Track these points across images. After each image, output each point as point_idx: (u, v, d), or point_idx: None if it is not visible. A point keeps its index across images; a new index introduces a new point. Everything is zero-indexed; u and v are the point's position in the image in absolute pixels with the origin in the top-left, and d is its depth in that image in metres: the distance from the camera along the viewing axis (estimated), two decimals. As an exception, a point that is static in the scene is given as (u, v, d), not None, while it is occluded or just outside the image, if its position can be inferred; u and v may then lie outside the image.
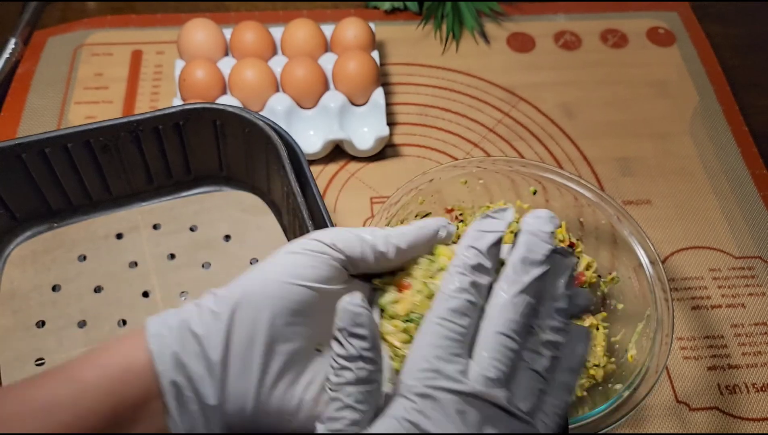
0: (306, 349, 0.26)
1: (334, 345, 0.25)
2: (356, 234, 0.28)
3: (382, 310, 0.29)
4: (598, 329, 0.44)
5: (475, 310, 0.26)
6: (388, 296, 0.29)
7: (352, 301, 0.25)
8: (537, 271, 0.26)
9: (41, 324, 0.45)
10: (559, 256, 0.28)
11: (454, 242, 0.30)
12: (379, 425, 0.24)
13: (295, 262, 0.26)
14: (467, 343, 0.25)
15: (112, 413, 0.23)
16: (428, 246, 0.29)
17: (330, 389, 0.25)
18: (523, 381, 0.25)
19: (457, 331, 0.25)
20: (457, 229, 0.46)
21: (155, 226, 0.50)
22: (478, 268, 0.26)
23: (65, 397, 0.23)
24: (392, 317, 0.28)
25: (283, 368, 0.25)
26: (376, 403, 0.25)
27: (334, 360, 0.25)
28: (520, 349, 0.26)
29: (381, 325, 0.28)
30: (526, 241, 0.27)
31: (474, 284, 0.26)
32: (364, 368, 0.25)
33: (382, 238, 0.28)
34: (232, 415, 0.25)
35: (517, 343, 0.25)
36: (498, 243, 0.27)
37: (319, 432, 0.25)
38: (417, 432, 0.24)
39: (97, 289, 0.47)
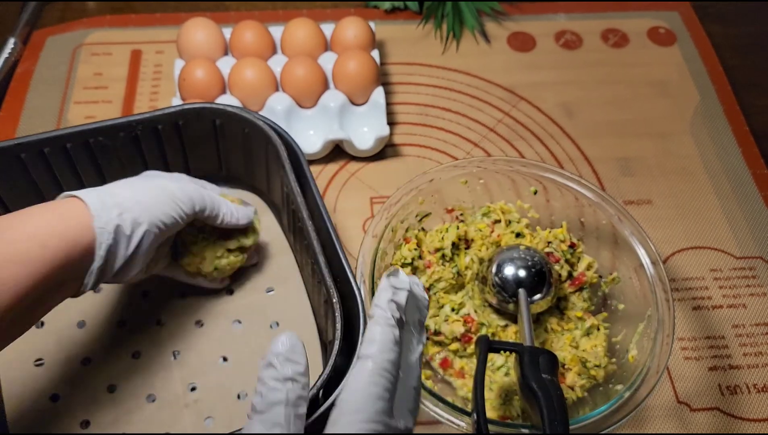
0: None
1: (267, 370, 0.28)
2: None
3: None
4: (599, 329, 0.44)
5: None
6: None
7: (291, 336, 0.29)
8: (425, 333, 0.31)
9: (40, 324, 0.45)
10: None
11: None
12: None
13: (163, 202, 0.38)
14: (393, 392, 0.28)
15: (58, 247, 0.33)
16: None
17: (257, 411, 0.28)
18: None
19: (392, 382, 0.28)
20: (458, 228, 0.46)
21: None
22: (399, 321, 0.29)
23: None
24: None
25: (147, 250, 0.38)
26: (303, 426, 0.28)
27: (265, 383, 0.28)
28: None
29: None
30: (425, 305, 0.31)
31: (399, 338, 0.29)
32: (295, 390, 0.28)
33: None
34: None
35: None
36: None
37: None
38: None
39: (96, 290, 0.47)
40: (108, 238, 0.35)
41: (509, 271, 0.43)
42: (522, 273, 0.42)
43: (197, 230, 0.45)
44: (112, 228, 0.35)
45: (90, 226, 0.35)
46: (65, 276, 0.35)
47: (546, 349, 0.38)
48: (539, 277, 0.42)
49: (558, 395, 0.35)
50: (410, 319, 0.30)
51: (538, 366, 0.36)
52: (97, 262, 0.35)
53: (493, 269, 0.43)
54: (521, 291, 0.42)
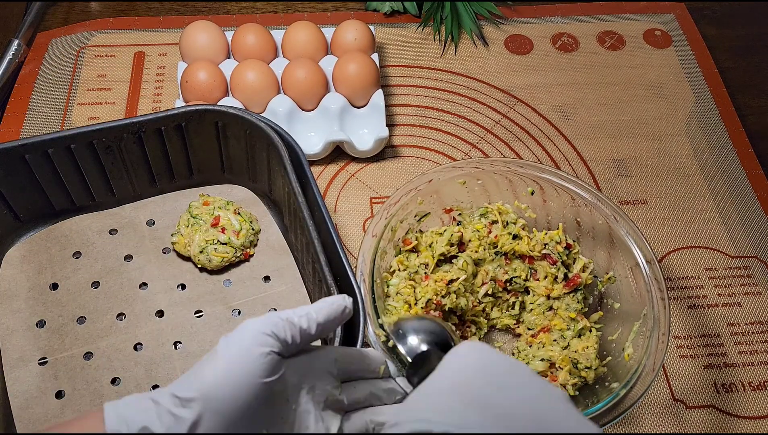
0: None
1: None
2: (285, 319, 0.31)
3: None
4: (591, 331, 0.44)
5: None
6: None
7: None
8: None
9: (41, 323, 0.46)
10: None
11: None
12: None
13: (248, 361, 0.29)
14: None
15: None
16: (338, 320, 0.33)
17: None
18: None
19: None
20: (460, 231, 0.46)
21: (149, 222, 0.51)
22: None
23: None
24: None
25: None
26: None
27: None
28: None
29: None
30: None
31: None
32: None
33: (305, 317, 0.32)
34: None
35: None
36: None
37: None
38: None
39: (95, 284, 0.48)
40: None
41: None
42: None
43: (194, 217, 0.48)
44: None
45: None
46: None
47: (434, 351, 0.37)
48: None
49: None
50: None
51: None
52: None
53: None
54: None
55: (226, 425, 0.28)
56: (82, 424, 0.28)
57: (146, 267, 0.49)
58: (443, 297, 0.43)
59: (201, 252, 0.48)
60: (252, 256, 0.50)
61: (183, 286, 0.48)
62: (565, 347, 0.44)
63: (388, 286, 0.45)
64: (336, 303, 0.33)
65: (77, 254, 0.49)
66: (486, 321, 0.47)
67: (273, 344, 0.30)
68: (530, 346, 0.45)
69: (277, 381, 0.30)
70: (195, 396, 0.28)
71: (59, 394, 0.43)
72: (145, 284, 0.48)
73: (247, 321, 0.30)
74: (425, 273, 0.45)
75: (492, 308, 0.47)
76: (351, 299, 0.33)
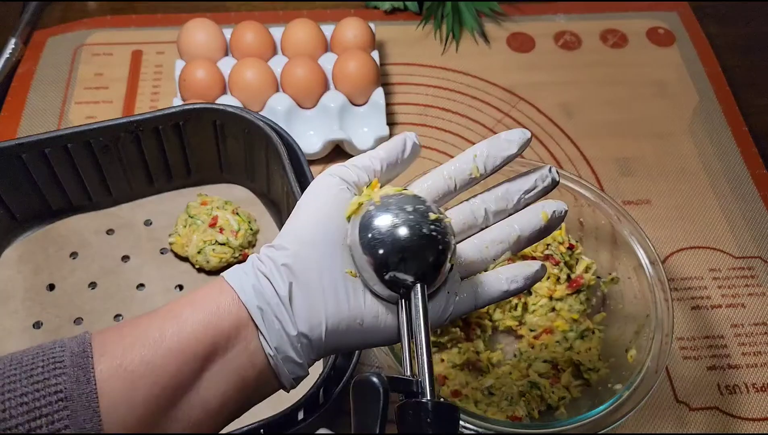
0: (343, 272, 0.29)
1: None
2: (353, 164, 0.31)
3: None
4: (594, 333, 0.44)
5: None
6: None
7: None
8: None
9: (38, 325, 0.45)
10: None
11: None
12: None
13: (333, 199, 0.30)
14: None
15: (211, 341, 0.27)
16: (404, 158, 0.32)
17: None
18: None
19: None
20: None
21: (146, 222, 0.51)
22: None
23: (170, 331, 0.27)
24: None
25: (337, 289, 0.28)
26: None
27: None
28: None
29: None
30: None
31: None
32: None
33: (366, 156, 0.32)
34: (311, 336, 0.28)
35: None
36: None
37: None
38: None
39: (92, 285, 0.47)
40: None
41: (392, 248, 0.27)
42: (413, 251, 0.27)
43: (191, 217, 0.48)
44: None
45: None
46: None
47: (448, 404, 0.26)
48: (436, 253, 0.28)
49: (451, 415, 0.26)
50: None
51: (428, 425, 0.25)
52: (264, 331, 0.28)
53: (362, 240, 0.28)
54: (418, 286, 0.28)
55: (316, 258, 0.28)
56: (209, 287, 0.29)
57: (144, 267, 0.48)
58: None
59: (199, 252, 0.47)
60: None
61: (181, 287, 0.48)
62: (568, 349, 0.43)
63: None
64: (396, 138, 0.32)
65: (74, 255, 0.49)
66: (490, 323, 0.46)
67: (341, 183, 0.30)
68: (533, 348, 0.44)
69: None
70: (286, 243, 0.29)
71: (56, 397, 0.43)
72: (142, 285, 0.48)
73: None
74: None
75: (495, 310, 0.47)
76: (413, 134, 0.33)
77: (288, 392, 0.30)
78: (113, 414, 0.25)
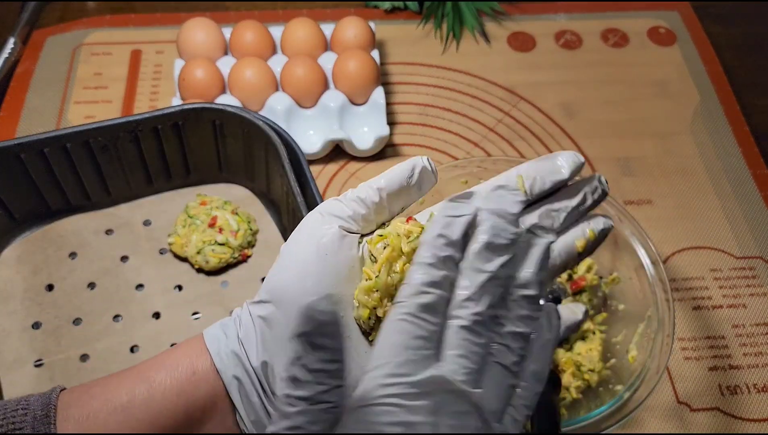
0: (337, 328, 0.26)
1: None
2: (348, 198, 0.28)
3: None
4: (594, 333, 0.44)
5: (446, 305, 0.24)
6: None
7: (315, 304, 0.24)
8: (501, 259, 0.24)
9: (37, 325, 0.45)
10: (531, 236, 0.25)
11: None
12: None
13: (317, 246, 0.26)
14: (437, 341, 0.23)
15: (183, 412, 0.25)
16: (410, 189, 0.28)
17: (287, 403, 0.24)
18: (492, 378, 0.23)
19: (430, 329, 0.23)
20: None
21: (146, 222, 0.50)
22: (449, 260, 0.24)
23: (140, 396, 0.24)
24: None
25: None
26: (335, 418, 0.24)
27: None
28: (488, 343, 0.24)
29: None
30: (490, 224, 0.25)
31: (446, 278, 0.24)
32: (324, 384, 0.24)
33: (365, 187, 0.28)
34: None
35: (483, 338, 0.23)
36: (468, 229, 0.25)
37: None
38: None
39: (91, 286, 0.47)
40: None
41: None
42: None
43: (191, 217, 0.48)
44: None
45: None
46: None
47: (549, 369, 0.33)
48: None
49: (551, 416, 0.30)
50: (475, 246, 0.24)
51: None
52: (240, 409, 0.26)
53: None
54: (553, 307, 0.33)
55: (293, 321, 0.25)
56: (186, 344, 0.27)
57: (143, 268, 0.48)
58: None
59: (198, 253, 0.47)
60: (250, 256, 0.49)
61: (180, 288, 0.48)
62: (569, 350, 0.43)
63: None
64: (402, 164, 0.28)
65: (73, 255, 0.48)
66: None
67: (332, 222, 0.26)
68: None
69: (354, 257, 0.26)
70: (267, 297, 0.26)
71: (54, 397, 0.42)
72: (141, 285, 0.48)
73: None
74: None
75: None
76: (426, 159, 0.28)
77: None
78: None
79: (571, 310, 0.28)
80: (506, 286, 0.25)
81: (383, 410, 0.22)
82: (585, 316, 0.28)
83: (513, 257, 0.25)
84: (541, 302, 0.25)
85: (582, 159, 0.28)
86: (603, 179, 0.29)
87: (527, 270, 0.25)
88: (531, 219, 0.27)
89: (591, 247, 0.28)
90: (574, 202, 0.28)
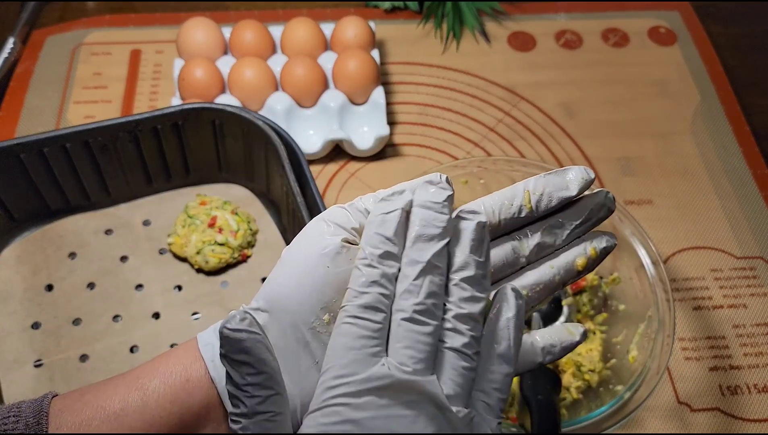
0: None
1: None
2: (355, 207, 0.27)
3: None
4: (595, 334, 0.44)
5: (389, 301, 0.24)
6: None
7: (229, 325, 0.23)
8: (435, 248, 0.24)
9: (36, 325, 0.45)
10: (460, 220, 0.26)
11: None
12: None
13: (319, 255, 0.25)
14: (384, 338, 0.24)
15: (177, 420, 0.25)
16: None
17: (232, 420, 0.24)
18: (445, 363, 0.24)
19: (372, 327, 0.23)
20: None
21: (145, 222, 0.50)
22: (386, 256, 0.24)
23: (134, 404, 0.24)
24: None
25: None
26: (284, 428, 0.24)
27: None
28: (436, 331, 0.24)
29: None
30: (419, 216, 0.25)
31: (384, 275, 0.24)
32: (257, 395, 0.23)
33: (370, 197, 0.27)
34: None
35: (430, 326, 0.24)
36: (403, 223, 0.25)
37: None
38: None
39: (90, 286, 0.47)
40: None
41: None
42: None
43: (190, 217, 0.48)
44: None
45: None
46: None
47: (549, 369, 0.36)
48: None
49: (551, 416, 0.32)
50: (409, 239, 0.25)
51: (538, 384, 0.34)
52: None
53: None
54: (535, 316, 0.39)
55: (289, 327, 0.25)
56: (180, 350, 0.26)
57: (142, 268, 0.48)
58: None
59: (198, 253, 0.47)
60: (250, 257, 0.49)
61: (179, 288, 0.48)
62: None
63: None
64: (417, 180, 0.27)
65: (72, 255, 0.48)
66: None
67: (336, 233, 0.26)
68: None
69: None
70: (263, 305, 0.25)
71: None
72: (141, 286, 0.48)
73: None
74: None
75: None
76: (438, 175, 0.27)
77: None
78: None
79: (569, 331, 0.28)
80: (445, 273, 0.25)
81: (331, 411, 0.22)
82: (583, 337, 0.28)
83: (447, 244, 0.25)
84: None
85: (592, 175, 0.28)
86: (610, 196, 0.28)
87: (461, 252, 0.25)
88: (534, 238, 0.27)
89: (592, 265, 0.28)
90: (579, 219, 0.28)
